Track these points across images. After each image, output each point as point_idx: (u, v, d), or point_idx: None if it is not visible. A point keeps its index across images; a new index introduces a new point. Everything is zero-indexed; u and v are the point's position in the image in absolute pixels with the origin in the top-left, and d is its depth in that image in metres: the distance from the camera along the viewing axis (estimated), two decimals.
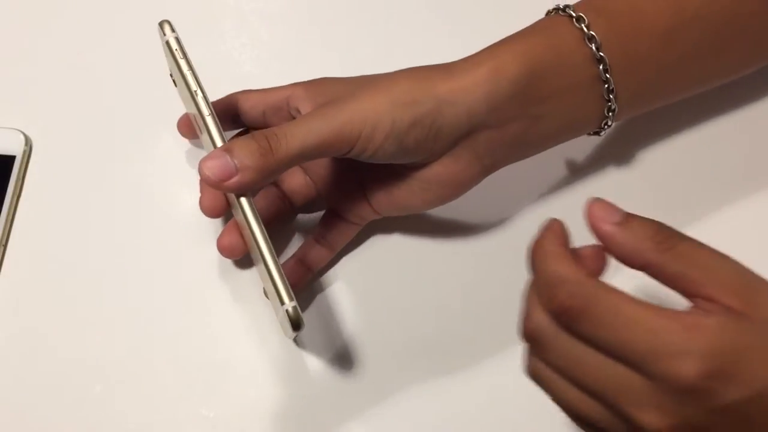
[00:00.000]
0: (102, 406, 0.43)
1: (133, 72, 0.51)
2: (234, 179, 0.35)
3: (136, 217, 0.47)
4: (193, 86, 0.37)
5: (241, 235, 0.42)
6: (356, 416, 0.43)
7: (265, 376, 0.44)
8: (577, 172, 0.48)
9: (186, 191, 0.48)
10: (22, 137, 0.48)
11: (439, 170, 0.40)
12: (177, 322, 0.45)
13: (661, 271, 0.29)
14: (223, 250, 0.43)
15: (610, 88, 0.41)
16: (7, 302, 0.45)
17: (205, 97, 0.37)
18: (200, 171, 0.35)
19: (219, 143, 0.37)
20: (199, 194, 0.43)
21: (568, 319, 0.28)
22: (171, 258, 0.46)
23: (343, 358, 0.44)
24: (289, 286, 0.36)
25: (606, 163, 0.49)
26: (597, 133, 0.44)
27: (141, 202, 0.48)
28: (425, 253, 0.46)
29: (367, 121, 0.37)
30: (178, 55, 0.38)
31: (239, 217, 0.38)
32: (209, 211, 0.42)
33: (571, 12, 0.40)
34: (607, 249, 0.30)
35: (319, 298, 0.45)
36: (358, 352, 0.44)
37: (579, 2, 0.42)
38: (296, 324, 0.36)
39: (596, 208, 0.30)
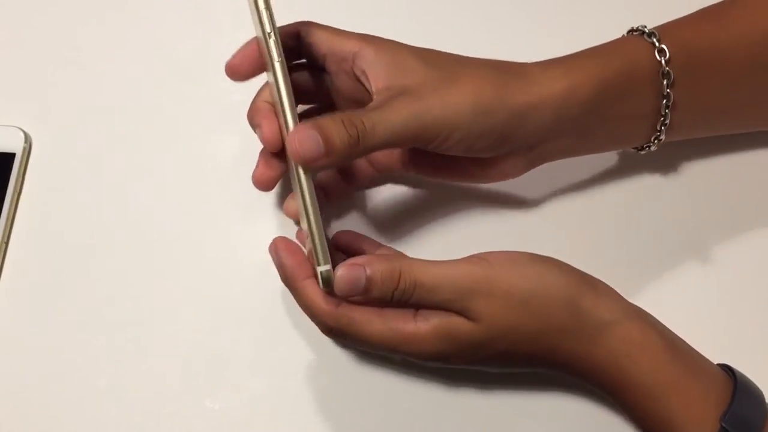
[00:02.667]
0: (107, 400, 0.43)
1: (133, 68, 0.51)
2: (321, 161, 0.36)
3: (137, 213, 0.47)
4: (277, 57, 0.36)
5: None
6: (360, 407, 0.44)
7: (271, 368, 0.44)
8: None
9: (187, 188, 0.48)
10: (21, 134, 0.48)
11: (490, 162, 0.42)
12: (182, 315, 0.45)
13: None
14: (259, 182, 0.42)
15: (666, 121, 0.42)
16: (10, 299, 0.45)
17: (283, 68, 0.36)
18: (289, 144, 0.36)
19: (291, 124, 0.36)
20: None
21: (335, 337, 0.40)
22: (173, 252, 0.46)
23: (347, 352, 0.45)
24: (327, 249, 0.37)
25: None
26: (638, 149, 0.45)
27: (142, 199, 0.48)
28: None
29: (448, 125, 0.38)
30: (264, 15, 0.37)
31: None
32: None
33: (655, 41, 0.41)
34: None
35: None
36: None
37: (667, 28, 0.42)
38: (326, 283, 0.37)
39: (341, 285, 0.36)
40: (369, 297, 0.36)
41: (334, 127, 0.36)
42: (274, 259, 0.40)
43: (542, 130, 0.40)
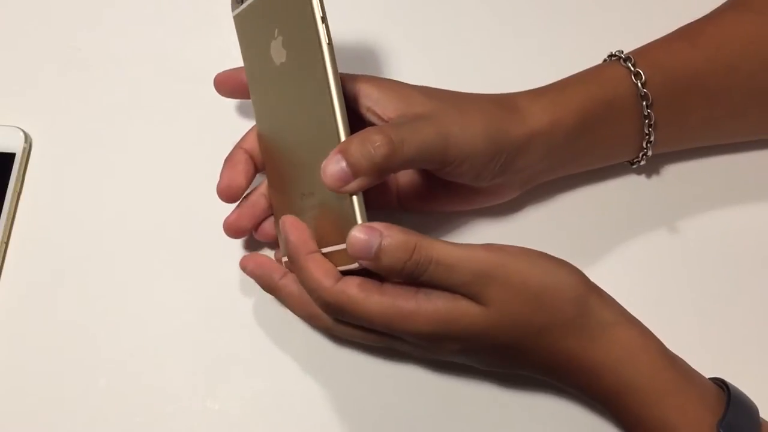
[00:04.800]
0: (107, 400, 0.43)
1: (133, 69, 0.51)
2: (351, 186, 0.36)
3: (137, 213, 0.47)
4: (332, 80, 0.36)
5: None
6: (359, 407, 0.44)
7: (271, 368, 0.44)
8: None
9: (187, 189, 0.48)
10: (21, 134, 0.48)
11: (486, 189, 0.43)
12: (181, 315, 0.45)
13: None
14: (230, 230, 0.43)
15: (650, 139, 0.44)
16: (10, 299, 0.45)
17: (336, 78, 0.36)
18: (323, 174, 0.36)
19: (342, 135, 0.36)
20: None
21: (333, 314, 0.38)
22: (174, 254, 0.46)
23: (347, 352, 0.45)
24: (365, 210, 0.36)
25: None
26: (630, 163, 0.46)
27: (142, 199, 0.48)
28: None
29: (465, 149, 0.38)
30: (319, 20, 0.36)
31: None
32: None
33: (631, 66, 0.43)
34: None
35: None
36: (361, 347, 0.44)
37: (642, 51, 0.44)
38: None
39: (353, 246, 0.35)
40: (379, 265, 0.35)
41: (360, 149, 0.36)
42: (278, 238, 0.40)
43: (536, 160, 0.42)
